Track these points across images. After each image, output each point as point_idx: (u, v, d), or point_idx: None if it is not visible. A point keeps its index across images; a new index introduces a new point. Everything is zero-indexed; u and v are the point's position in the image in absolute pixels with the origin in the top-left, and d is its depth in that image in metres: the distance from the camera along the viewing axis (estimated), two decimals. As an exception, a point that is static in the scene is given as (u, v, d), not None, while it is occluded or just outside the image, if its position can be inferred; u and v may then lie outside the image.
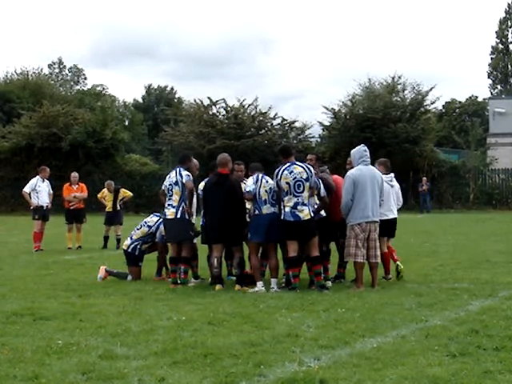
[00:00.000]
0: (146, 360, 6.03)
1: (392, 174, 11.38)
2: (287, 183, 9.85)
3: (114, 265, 12.70)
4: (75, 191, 18.38)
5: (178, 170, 10.97)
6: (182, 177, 10.82)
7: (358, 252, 9.99)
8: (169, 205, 10.89)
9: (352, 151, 10.46)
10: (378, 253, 10.20)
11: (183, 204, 10.79)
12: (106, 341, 6.77)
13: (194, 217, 11.19)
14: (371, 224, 10.06)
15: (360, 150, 10.32)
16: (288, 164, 9.97)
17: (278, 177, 9.91)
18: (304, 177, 9.88)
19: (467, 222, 27.88)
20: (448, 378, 5.36)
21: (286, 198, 9.88)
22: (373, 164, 10.65)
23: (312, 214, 9.92)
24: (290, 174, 9.86)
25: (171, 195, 10.86)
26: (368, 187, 10.04)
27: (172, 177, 10.94)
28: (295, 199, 9.84)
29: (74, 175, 18.79)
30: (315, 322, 7.51)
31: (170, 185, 10.92)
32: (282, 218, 9.90)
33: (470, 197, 39.13)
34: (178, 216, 10.77)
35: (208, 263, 10.96)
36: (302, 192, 9.86)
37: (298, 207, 9.83)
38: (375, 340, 6.65)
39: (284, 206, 9.90)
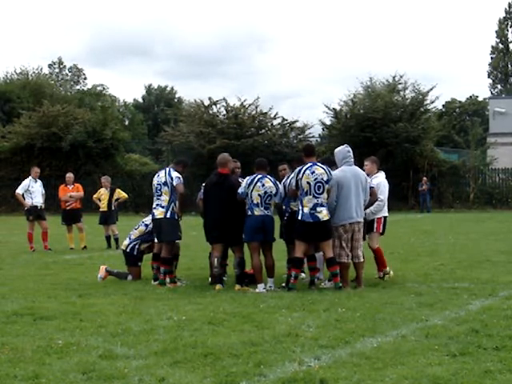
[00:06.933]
0: (147, 360, 6.04)
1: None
2: (308, 183, 9.81)
3: (114, 265, 12.69)
4: (71, 191, 18.34)
5: (167, 170, 10.90)
6: (172, 179, 10.74)
7: (342, 252, 9.98)
8: (157, 205, 10.80)
9: (335, 151, 10.42)
10: (361, 253, 10.16)
11: (173, 204, 10.75)
12: (106, 340, 6.77)
13: None
14: (355, 224, 10.04)
15: (343, 151, 10.26)
16: (310, 164, 9.94)
17: (300, 175, 9.86)
18: (325, 179, 9.84)
19: (467, 221, 27.87)
20: (448, 378, 5.36)
21: (305, 199, 9.83)
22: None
23: (329, 215, 9.92)
24: (312, 174, 9.82)
25: (160, 195, 10.77)
26: (352, 188, 10.01)
27: (161, 176, 10.83)
28: (315, 200, 9.79)
29: (69, 175, 18.77)
30: (315, 322, 7.51)
31: (158, 184, 10.81)
32: (300, 218, 9.84)
33: (470, 196, 39.12)
34: (168, 216, 10.71)
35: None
36: (322, 193, 9.83)
37: (317, 208, 9.79)
38: (375, 340, 6.65)
39: (303, 207, 9.84)
